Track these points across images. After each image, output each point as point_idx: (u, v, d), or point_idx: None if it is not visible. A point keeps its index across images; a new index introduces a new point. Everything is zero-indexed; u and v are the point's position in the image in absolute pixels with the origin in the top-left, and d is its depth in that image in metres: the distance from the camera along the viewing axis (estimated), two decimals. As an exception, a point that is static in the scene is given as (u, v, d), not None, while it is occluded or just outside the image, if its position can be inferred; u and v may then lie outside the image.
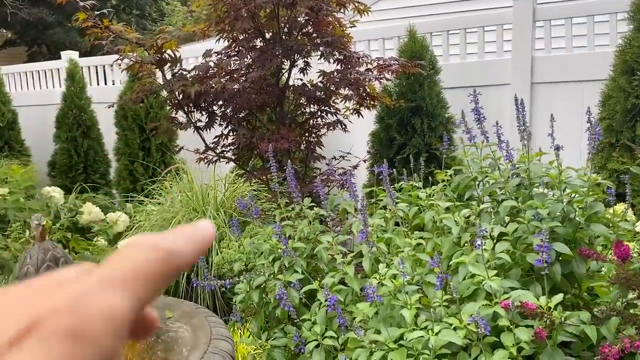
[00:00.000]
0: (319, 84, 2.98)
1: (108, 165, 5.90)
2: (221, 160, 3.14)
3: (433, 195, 2.21)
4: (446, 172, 2.25)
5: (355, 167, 3.02)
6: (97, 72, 6.47)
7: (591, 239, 1.82)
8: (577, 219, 1.71)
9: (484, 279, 1.54)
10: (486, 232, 1.63)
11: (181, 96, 2.78)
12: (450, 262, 1.73)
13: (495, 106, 3.98)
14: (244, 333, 2.75)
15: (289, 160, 2.18)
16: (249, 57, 2.87)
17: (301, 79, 3.05)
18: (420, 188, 2.29)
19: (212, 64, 2.78)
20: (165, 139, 5.11)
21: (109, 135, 5.67)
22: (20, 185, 4.27)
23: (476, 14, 4.72)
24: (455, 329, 1.49)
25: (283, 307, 1.80)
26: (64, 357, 0.19)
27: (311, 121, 3.10)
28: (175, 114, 2.99)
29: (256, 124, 3.17)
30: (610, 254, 1.80)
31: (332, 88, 2.89)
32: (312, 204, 2.31)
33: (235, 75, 2.79)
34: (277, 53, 2.76)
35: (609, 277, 1.51)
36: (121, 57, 2.68)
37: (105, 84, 6.49)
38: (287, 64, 2.98)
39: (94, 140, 5.78)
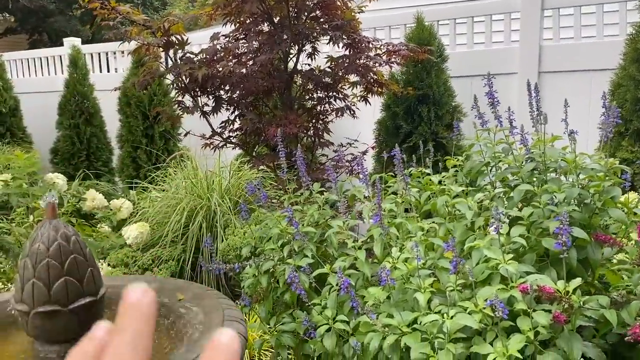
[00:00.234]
0: (327, 69, 2.94)
1: (110, 153, 5.87)
2: (228, 145, 3.11)
3: (443, 182, 2.18)
4: (457, 158, 2.22)
5: (364, 152, 2.99)
6: (99, 60, 6.43)
7: (606, 225, 1.80)
8: (593, 204, 1.69)
9: (500, 263, 1.52)
10: (503, 214, 1.60)
11: (188, 80, 2.74)
12: (464, 247, 1.70)
13: (503, 95, 3.92)
14: (250, 319, 2.74)
15: (299, 145, 2.15)
16: (256, 40, 2.83)
17: (309, 64, 3.01)
18: (430, 174, 2.26)
19: (219, 47, 2.75)
20: (169, 126, 5.08)
21: (112, 123, 5.64)
22: (23, 171, 4.25)
23: (483, 2, 4.68)
24: (470, 313, 1.47)
25: (294, 290, 1.78)
26: None
27: (319, 107, 3.06)
28: (182, 98, 2.95)
29: (263, 109, 3.14)
30: (626, 240, 1.78)
31: (340, 74, 2.85)
32: (322, 189, 2.28)
33: (243, 59, 2.75)
34: (285, 37, 2.72)
35: (632, 259, 1.49)
36: (128, 39, 2.64)
37: (108, 71, 6.44)
38: (295, 49, 2.94)
39: (96, 127, 5.75)
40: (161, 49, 2.74)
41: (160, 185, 4.07)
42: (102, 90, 5.82)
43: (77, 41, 6.19)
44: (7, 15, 11.04)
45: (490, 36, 4.24)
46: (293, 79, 2.97)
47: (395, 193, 2.27)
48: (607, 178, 1.70)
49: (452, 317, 1.46)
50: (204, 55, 2.74)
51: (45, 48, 7.24)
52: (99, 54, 6.41)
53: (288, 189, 2.37)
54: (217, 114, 2.94)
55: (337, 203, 2.16)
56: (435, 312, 1.52)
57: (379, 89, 3.11)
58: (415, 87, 3.72)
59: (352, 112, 3.06)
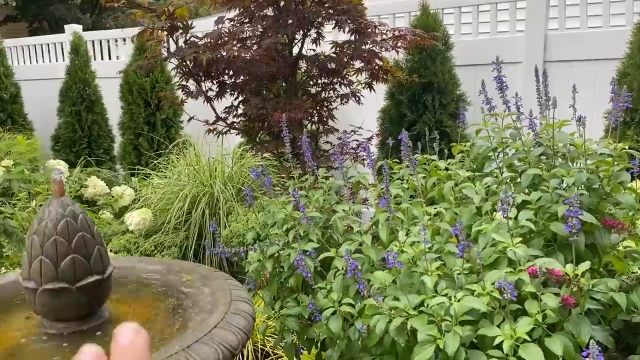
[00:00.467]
0: (332, 54, 2.92)
1: (112, 140, 5.85)
2: (231, 131, 3.09)
3: (450, 168, 2.17)
4: (463, 144, 2.21)
5: (369, 139, 2.98)
6: (101, 47, 6.39)
7: (611, 213, 1.80)
8: (601, 188, 1.68)
9: (508, 246, 1.51)
10: (513, 197, 1.59)
11: (192, 64, 2.72)
12: (471, 232, 1.70)
13: (508, 84, 3.92)
14: (254, 302, 2.74)
15: (304, 130, 2.14)
16: (261, 25, 2.81)
17: (314, 49, 2.99)
18: (436, 160, 2.25)
19: (224, 32, 2.72)
20: (171, 113, 5.06)
21: (113, 111, 5.62)
22: (24, 157, 4.23)
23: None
24: (477, 296, 1.46)
25: (300, 273, 1.77)
26: None
27: (323, 93, 3.04)
28: (186, 82, 2.93)
29: (267, 95, 3.12)
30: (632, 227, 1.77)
31: (345, 59, 2.83)
32: (328, 174, 2.27)
33: (247, 43, 2.73)
34: (290, 22, 2.70)
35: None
36: (131, 17, 2.60)
37: (110, 58, 6.41)
38: (299, 35, 2.92)
39: (98, 115, 5.73)
40: (165, 33, 2.72)
41: (162, 172, 4.06)
42: (104, 78, 5.80)
43: (78, 27, 6.15)
44: (9, 0, 10.96)
45: (496, 25, 4.21)
46: (297, 64, 2.95)
47: (400, 179, 2.26)
48: (615, 163, 1.69)
49: (459, 300, 1.45)
50: (209, 40, 2.71)
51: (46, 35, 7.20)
52: (100, 41, 6.38)
53: (292, 174, 2.36)
54: (221, 99, 2.92)
55: (343, 188, 2.15)
56: (442, 295, 1.52)
57: (384, 76, 3.09)
58: (420, 75, 3.70)
59: (357, 99, 3.04)
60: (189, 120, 3.14)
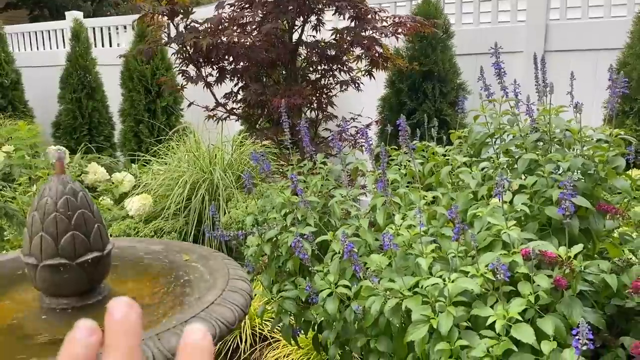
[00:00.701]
0: (332, 41, 2.92)
1: (112, 128, 5.86)
2: (231, 117, 3.10)
3: (448, 154, 2.18)
4: (462, 130, 2.22)
5: (368, 125, 2.99)
6: (102, 34, 6.39)
7: (605, 200, 1.81)
8: (596, 174, 1.70)
9: (502, 229, 1.53)
10: (508, 181, 1.61)
11: (192, 50, 2.73)
12: (467, 215, 1.72)
13: (508, 73, 3.92)
14: (254, 287, 2.77)
15: (303, 115, 2.15)
16: (261, 11, 2.81)
17: (314, 36, 2.99)
18: (433, 146, 2.26)
19: (224, 17, 2.73)
20: (171, 101, 5.06)
21: (114, 98, 5.62)
22: (25, 142, 4.25)
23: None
24: (471, 277, 1.48)
25: (298, 256, 1.79)
26: None
27: (323, 80, 3.05)
28: (186, 67, 2.94)
29: (267, 81, 3.12)
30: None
31: (345, 46, 2.83)
32: (326, 159, 2.28)
33: (247, 29, 2.73)
34: (290, 8, 2.70)
35: (638, 221, 1.50)
36: (133, 2, 2.60)
37: (110, 45, 6.40)
38: (300, 21, 2.92)
39: (98, 102, 5.73)
40: (166, 18, 2.72)
41: (162, 158, 4.08)
42: (105, 65, 5.80)
43: (79, 14, 6.14)
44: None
45: (497, 15, 4.21)
46: (297, 50, 2.95)
47: (398, 165, 2.28)
48: (611, 149, 1.71)
49: (453, 281, 1.48)
50: (209, 25, 2.72)
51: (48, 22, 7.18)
52: (101, 28, 6.37)
53: (291, 160, 2.38)
54: (220, 84, 2.93)
55: (341, 174, 2.17)
56: (437, 277, 1.54)
57: (384, 63, 3.09)
58: (421, 63, 3.70)
59: (356, 86, 3.04)
60: (189, 105, 3.15)
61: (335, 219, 2.10)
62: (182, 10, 2.67)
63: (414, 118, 3.75)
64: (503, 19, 4.29)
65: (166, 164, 3.93)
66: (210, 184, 3.59)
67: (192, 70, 2.98)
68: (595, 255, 1.91)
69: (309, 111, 3.17)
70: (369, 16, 2.77)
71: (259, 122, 3.55)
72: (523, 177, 1.88)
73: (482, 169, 1.88)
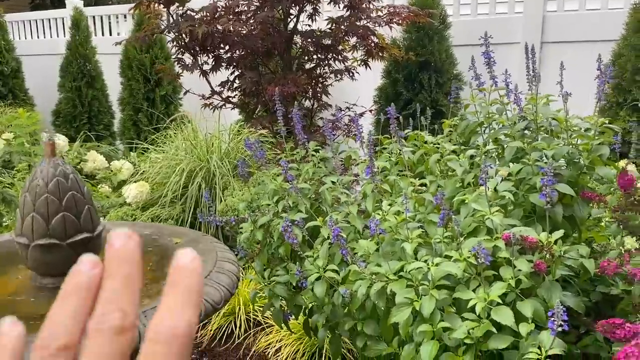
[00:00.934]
0: (327, 30, 2.94)
1: (112, 116, 5.89)
2: (226, 106, 3.13)
3: (438, 143, 2.21)
4: (452, 119, 2.25)
5: (361, 114, 3.01)
6: (102, 23, 6.40)
7: (593, 185, 1.84)
8: (581, 162, 1.72)
9: (486, 215, 1.56)
10: (491, 167, 1.64)
11: (188, 38, 2.75)
12: (453, 201, 1.75)
13: (504, 64, 3.92)
14: (247, 273, 2.81)
15: (295, 103, 2.17)
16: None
17: (309, 25, 3.01)
18: (423, 134, 2.29)
19: (220, 6, 2.74)
20: (170, 90, 5.08)
21: (114, 87, 5.64)
22: (25, 130, 4.28)
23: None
24: (455, 261, 1.52)
25: (287, 239, 1.83)
26: None
27: (318, 69, 3.07)
28: (182, 56, 2.96)
29: (262, 70, 3.14)
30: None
31: (340, 35, 2.85)
32: (318, 147, 2.31)
33: (243, 17, 2.75)
34: (286, -3, 2.72)
35: (612, 207, 1.53)
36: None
37: (110, 34, 6.41)
38: (295, 10, 2.94)
39: (98, 90, 5.76)
40: (162, 6, 2.74)
41: (160, 147, 4.11)
42: (104, 54, 5.81)
43: (79, 2, 6.15)
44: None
45: (495, 6, 4.21)
46: (292, 39, 2.97)
47: (389, 153, 2.31)
48: (596, 138, 1.73)
49: (436, 265, 1.51)
50: (205, 13, 2.74)
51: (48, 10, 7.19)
52: (101, 17, 6.38)
53: (285, 148, 2.40)
54: (216, 72, 2.95)
55: (334, 163, 2.19)
56: (422, 261, 1.57)
57: (380, 53, 3.11)
58: (417, 53, 3.71)
59: (351, 75, 3.06)
60: (185, 93, 3.18)
61: (326, 206, 2.13)
62: (178, -1, 2.69)
63: (410, 108, 3.76)
64: (501, 10, 4.29)
65: (164, 152, 3.96)
66: (207, 172, 3.62)
67: (187, 58, 3.01)
68: (582, 243, 1.94)
69: (305, 100, 3.19)
70: (364, 5, 2.79)
71: (256, 111, 3.58)
72: (511, 165, 1.91)
73: (471, 156, 1.91)
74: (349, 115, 3.05)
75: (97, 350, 0.25)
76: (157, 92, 5.15)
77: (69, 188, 1.30)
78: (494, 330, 1.39)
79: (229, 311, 2.88)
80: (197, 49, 2.86)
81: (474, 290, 1.50)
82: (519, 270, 1.44)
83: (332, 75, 3.10)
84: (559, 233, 1.48)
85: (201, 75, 3.02)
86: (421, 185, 1.97)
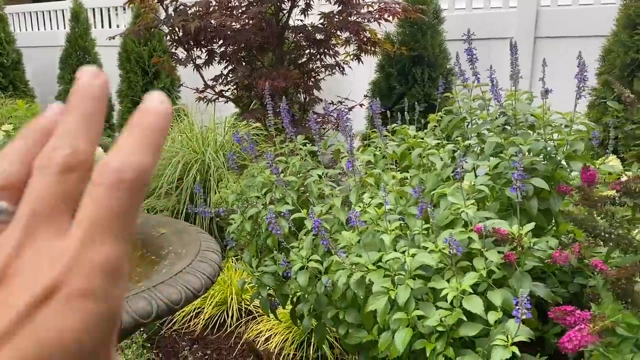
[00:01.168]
0: (319, 25, 2.98)
1: (111, 108, 5.94)
2: (220, 99, 3.18)
3: (423, 137, 2.26)
4: (438, 114, 2.29)
5: (350, 109, 3.06)
6: (101, 15, 6.44)
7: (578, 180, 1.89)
8: (557, 157, 1.77)
9: (461, 207, 1.61)
10: (466, 162, 1.69)
11: (181, 32, 2.79)
12: (433, 193, 1.80)
13: (498, 59, 3.97)
14: (240, 263, 2.87)
15: (284, 96, 2.22)
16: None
17: (302, 20, 3.05)
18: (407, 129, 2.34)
19: (213, 0, 2.79)
20: (168, 83, 5.13)
21: (113, 80, 5.69)
22: (24, 121, 4.34)
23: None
24: (430, 252, 1.57)
25: (272, 230, 1.88)
26: (84, 315, 0.20)
27: (310, 64, 3.12)
28: (175, 50, 3.01)
29: (255, 65, 3.19)
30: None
31: (332, 30, 2.89)
32: (306, 141, 2.36)
33: (235, 12, 2.79)
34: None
35: (576, 200, 1.59)
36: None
37: (110, 27, 6.45)
38: (287, 5, 2.98)
39: (97, 83, 5.80)
40: (155, 1, 2.78)
41: (157, 139, 4.16)
42: (104, 46, 5.85)
43: (79, -5, 6.18)
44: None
45: (489, 0, 4.23)
46: (284, 33, 3.02)
47: (375, 147, 2.36)
48: (572, 134, 1.78)
49: (412, 256, 1.56)
50: (198, 8, 2.78)
51: (48, 2, 7.22)
52: (101, 9, 6.41)
53: (275, 141, 2.45)
54: (209, 66, 3.00)
55: (324, 157, 2.25)
56: (400, 252, 1.63)
57: (372, 48, 3.15)
58: (410, 47, 3.75)
59: (341, 69, 3.11)
60: (179, 87, 3.22)
61: (313, 198, 2.19)
62: (171, -7, 2.73)
63: (402, 103, 3.80)
64: (495, 5, 4.31)
65: (160, 144, 4.01)
66: (202, 165, 3.68)
67: (181, 52, 3.05)
68: (562, 236, 2.00)
69: (298, 94, 3.24)
70: (354, 1, 2.83)
71: (251, 104, 3.62)
72: (491, 159, 1.96)
73: (453, 151, 1.96)
74: (341, 109, 3.10)
75: (37, 189, 0.21)
76: (156, 84, 5.20)
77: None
78: (464, 318, 1.45)
79: (221, 300, 2.94)
80: (191, 43, 2.91)
81: (448, 280, 1.55)
82: (491, 261, 1.50)
83: (324, 70, 3.15)
84: (530, 225, 1.53)
85: (194, 69, 3.07)
86: (405, 178, 2.03)
